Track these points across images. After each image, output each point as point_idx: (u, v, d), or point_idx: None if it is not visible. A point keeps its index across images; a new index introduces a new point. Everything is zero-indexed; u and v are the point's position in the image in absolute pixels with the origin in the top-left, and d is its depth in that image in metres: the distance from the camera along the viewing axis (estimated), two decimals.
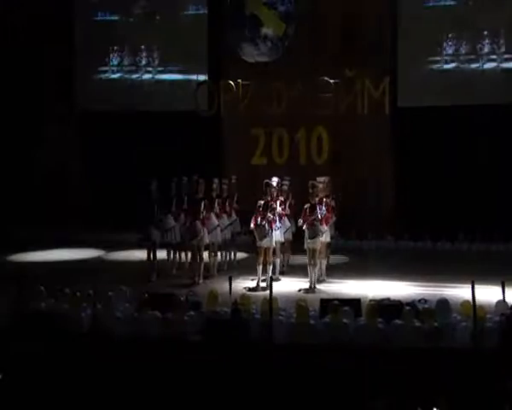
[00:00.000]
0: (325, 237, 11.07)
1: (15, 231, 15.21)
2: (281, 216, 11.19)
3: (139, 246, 12.03)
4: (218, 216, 11.59)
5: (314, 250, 10.62)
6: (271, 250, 10.84)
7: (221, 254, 12.04)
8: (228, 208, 11.94)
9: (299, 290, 10.49)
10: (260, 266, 10.81)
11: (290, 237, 11.76)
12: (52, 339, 8.18)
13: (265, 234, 10.70)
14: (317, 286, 10.68)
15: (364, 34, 14.68)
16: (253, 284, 10.84)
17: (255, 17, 15.01)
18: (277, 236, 11.08)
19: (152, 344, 8.12)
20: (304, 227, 10.71)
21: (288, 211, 11.52)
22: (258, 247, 10.82)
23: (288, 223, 11.54)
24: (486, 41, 14.10)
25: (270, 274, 10.49)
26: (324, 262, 11.38)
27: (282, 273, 11.48)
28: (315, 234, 10.55)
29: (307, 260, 10.70)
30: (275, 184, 11.26)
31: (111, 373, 7.68)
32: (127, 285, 9.81)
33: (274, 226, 10.87)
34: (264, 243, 10.73)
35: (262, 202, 10.82)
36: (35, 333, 8.23)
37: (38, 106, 16.09)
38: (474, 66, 14.20)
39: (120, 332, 8.36)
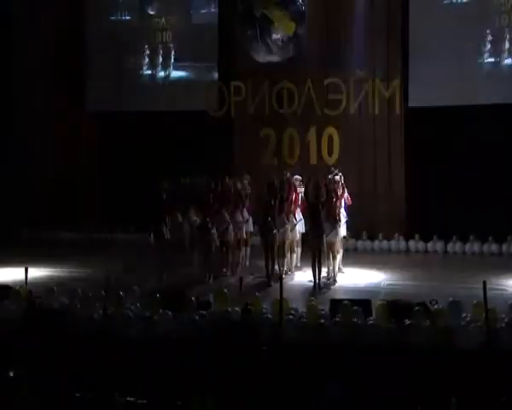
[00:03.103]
0: (334, 237, 11.03)
1: (26, 232, 15.31)
2: (288, 214, 11.20)
3: (150, 245, 12.06)
4: (231, 215, 11.61)
5: (319, 250, 10.59)
6: (275, 248, 10.84)
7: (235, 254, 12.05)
8: (241, 208, 11.96)
9: (304, 294, 10.45)
10: (269, 265, 10.81)
11: (297, 235, 11.73)
12: (64, 339, 8.22)
13: (270, 232, 10.69)
14: (323, 287, 10.68)
15: (375, 33, 14.63)
16: (263, 283, 10.85)
17: (265, 17, 14.99)
18: (285, 234, 11.07)
19: (163, 344, 8.14)
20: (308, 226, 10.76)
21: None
22: (263, 245, 10.84)
23: (294, 221, 11.51)
24: (505, 38, 13.94)
25: (280, 273, 10.50)
26: (334, 262, 11.32)
27: (289, 273, 11.44)
28: (320, 233, 10.54)
29: (311, 259, 10.69)
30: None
31: (122, 373, 7.71)
32: (138, 285, 9.86)
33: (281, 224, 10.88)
34: (269, 240, 10.72)
35: (267, 200, 10.86)
36: (47, 332, 8.27)
37: (51, 106, 16.16)
38: (489, 65, 14.08)
39: (132, 332, 8.39)
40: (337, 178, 11.50)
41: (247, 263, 12.43)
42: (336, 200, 11.04)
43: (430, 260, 13.26)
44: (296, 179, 11.83)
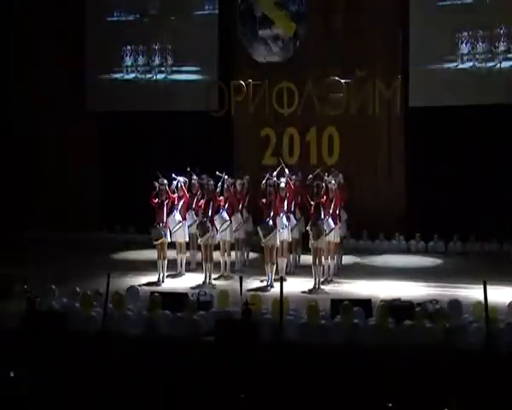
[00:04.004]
0: (333, 237, 11.03)
1: (25, 232, 15.30)
2: (287, 215, 11.18)
3: (150, 245, 12.07)
4: (230, 216, 11.59)
5: (318, 250, 10.59)
6: (275, 249, 10.82)
7: (235, 254, 12.03)
8: (241, 208, 11.96)
9: (303, 292, 10.44)
10: (269, 266, 10.79)
11: (297, 235, 11.72)
12: (63, 338, 8.21)
13: (269, 232, 10.67)
14: (323, 287, 10.66)
15: (376, 33, 14.62)
16: (262, 284, 10.84)
17: (266, 17, 15.00)
18: (284, 235, 11.05)
19: (163, 344, 8.13)
20: (307, 227, 10.74)
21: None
22: (264, 246, 10.82)
23: (294, 221, 11.50)
24: (502, 39, 13.96)
25: (280, 274, 10.50)
26: (333, 262, 11.33)
27: (289, 273, 11.41)
28: (319, 234, 10.53)
29: (312, 259, 10.68)
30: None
31: (122, 373, 7.70)
32: (138, 285, 9.85)
33: (280, 225, 10.85)
34: (268, 241, 10.71)
35: (264, 200, 10.83)
36: (47, 332, 8.27)
37: (51, 106, 16.16)
38: (489, 65, 14.09)
39: (131, 332, 8.39)
40: (337, 178, 11.51)
41: (247, 263, 12.44)
42: (336, 200, 11.04)
43: (431, 259, 13.24)
44: (296, 179, 11.85)
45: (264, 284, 10.82)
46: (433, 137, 14.27)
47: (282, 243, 11.02)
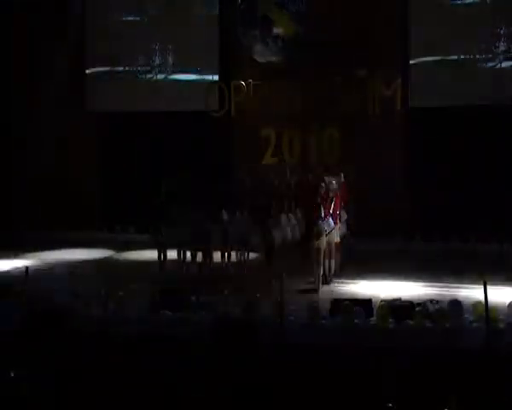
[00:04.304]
0: (333, 237, 11.03)
1: (28, 232, 15.31)
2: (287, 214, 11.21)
3: (150, 246, 12.07)
4: (231, 216, 11.59)
5: (318, 250, 10.59)
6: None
7: (236, 254, 12.02)
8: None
9: (303, 292, 10.44)
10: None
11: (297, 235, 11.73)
12: (63, 338, 8.22)
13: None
14: (324, 286, 10.66)
15: (376, 33, 14.63)
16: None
17: (266, 17, 15.01)
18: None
19: (163, 344, 8.14)
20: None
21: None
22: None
23: (294, 221, 11.51)
24: (503, 39, 13.99)
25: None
26: (333, 262, 11.33)
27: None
28: (319, 234, 10.53)
29: (312, 259, 10.68)
30: None
31: (122, 373, 7.70)
32: (138, 285, 9.86)
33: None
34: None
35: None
36: (47, 332, 8.27)
37: (51, 106, 16.16)
38: (489, 65, 14.11)
39: (131, 332, 8.39)
40: (338, 178, 11.52)
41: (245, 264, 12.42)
42: (336, 200, 11.04)
43: (431, 260, 13.24)
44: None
45: (265, 283, 10.81)
46: (433, 137, 14.27)
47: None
